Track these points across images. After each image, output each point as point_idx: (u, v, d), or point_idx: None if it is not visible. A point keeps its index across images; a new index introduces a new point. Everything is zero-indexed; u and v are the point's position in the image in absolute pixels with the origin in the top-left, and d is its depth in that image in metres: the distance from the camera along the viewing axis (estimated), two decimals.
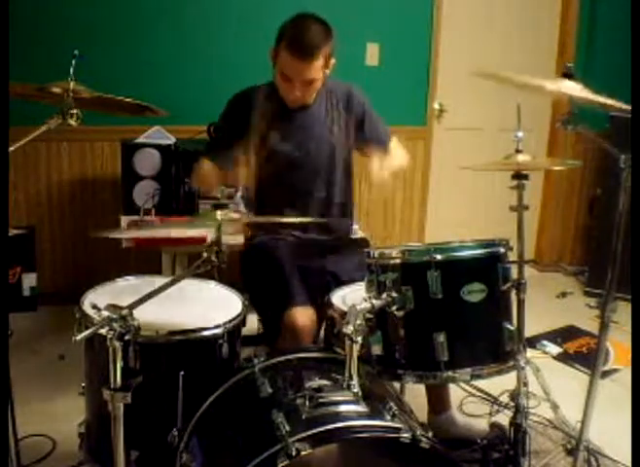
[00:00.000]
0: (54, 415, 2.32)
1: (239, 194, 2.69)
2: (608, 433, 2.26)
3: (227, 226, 1.58)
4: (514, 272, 1.69)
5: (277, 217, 2.18)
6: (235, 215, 1.62)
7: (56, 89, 1.63)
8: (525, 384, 1.85)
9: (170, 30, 3.39)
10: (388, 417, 1.40)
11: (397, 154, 2.30)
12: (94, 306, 1.34)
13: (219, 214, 1.55)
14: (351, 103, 2.27)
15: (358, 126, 2.30)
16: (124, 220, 2.88)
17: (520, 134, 1.82)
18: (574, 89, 1.67)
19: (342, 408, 1.40)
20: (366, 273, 1.61)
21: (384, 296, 1.52)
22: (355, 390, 1.41)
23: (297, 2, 3.46)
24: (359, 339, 1.40)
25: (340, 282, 2.11)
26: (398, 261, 1.55)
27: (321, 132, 2.23)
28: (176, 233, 2.43)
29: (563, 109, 1.72)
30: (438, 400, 2.29)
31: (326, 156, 2.25)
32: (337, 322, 1.81)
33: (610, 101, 1.66)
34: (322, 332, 2.11)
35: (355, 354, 1.40)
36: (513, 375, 1.73)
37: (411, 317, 1.52)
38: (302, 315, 1.99)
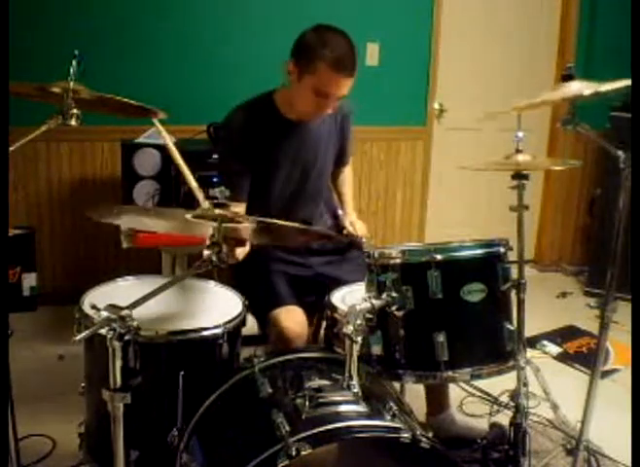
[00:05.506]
0: (54, 415, 2.32)
1: None
2: (608, 433, 2.26)
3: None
4: (514, 272, 1.69)
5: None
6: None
7: (56, 89, 1.63)
8: (525, 384, 1.85)
9: (171, 30, 3.39)
10: (388, 417, 1.40)
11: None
12: (94, 307, 1.33)
13: (218, 211, 1.54)
14: (345, 122, 2.29)
15: (341, 143, 2.32)
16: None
17: (520, 134, 1.82)
18: (577, 89, 1.67)
19: (342, 408, 1.40)
20: (365, 274, 1.61)
21: (384, 296, 1.52)
22: (355, 390, 1.41)
23: (297, 3, 3.51)
24: (359, 339, 1.40)
25: (336, 284, 2.09)
26: (398, 261, 1.55)
27: (320, 145, 2.22)
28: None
29: (563, 109, 1.72)
30: (437, 400, 2.29)
31: (322, 167, 2.26)
32: (337, 322, 1.81)
33: (614, 84, 1.62)
34: (322, 332, 2.11)
35: (355, 354, 1.40)
36: (513, 375, 1.73)
37: (411, 317, 1.52)
38: (288, 316, 1.96)
